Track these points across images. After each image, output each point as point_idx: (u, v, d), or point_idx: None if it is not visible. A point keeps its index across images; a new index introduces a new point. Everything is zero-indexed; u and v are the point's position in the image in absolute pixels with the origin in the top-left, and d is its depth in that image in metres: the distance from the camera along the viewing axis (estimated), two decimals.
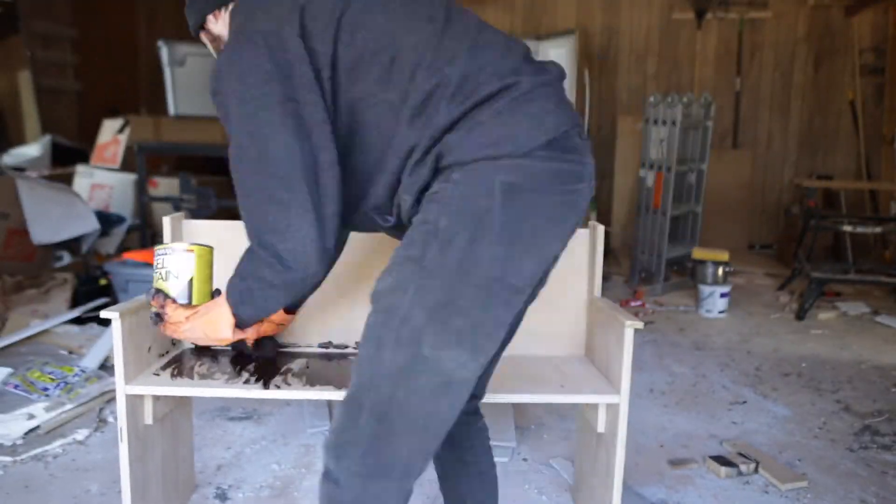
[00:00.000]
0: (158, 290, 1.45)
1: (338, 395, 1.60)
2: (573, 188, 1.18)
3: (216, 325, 1.34)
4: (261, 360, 1.77)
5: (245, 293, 1.27)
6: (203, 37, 1.42)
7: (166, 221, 1.85)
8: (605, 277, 5.09)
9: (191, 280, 1.47)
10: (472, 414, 1.55)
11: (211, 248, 1.53)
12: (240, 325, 1.33)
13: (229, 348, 1.82)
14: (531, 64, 1.22)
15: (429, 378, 1.14)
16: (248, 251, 1.24)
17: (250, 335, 1.51)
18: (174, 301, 1.42)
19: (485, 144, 1.13)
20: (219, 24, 1.36)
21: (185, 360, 1.79)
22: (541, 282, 1.34)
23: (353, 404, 1.18)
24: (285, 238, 1.17)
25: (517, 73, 1.17)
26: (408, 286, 1.13)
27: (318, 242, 1.18)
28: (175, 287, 1.46)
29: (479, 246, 1.12)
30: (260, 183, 1.18)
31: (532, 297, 1.37)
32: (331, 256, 1.28)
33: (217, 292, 1.49)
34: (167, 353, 1.80)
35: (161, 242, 1.70)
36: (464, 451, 1.55)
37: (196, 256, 1.49)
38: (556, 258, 1.28)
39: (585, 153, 1.22)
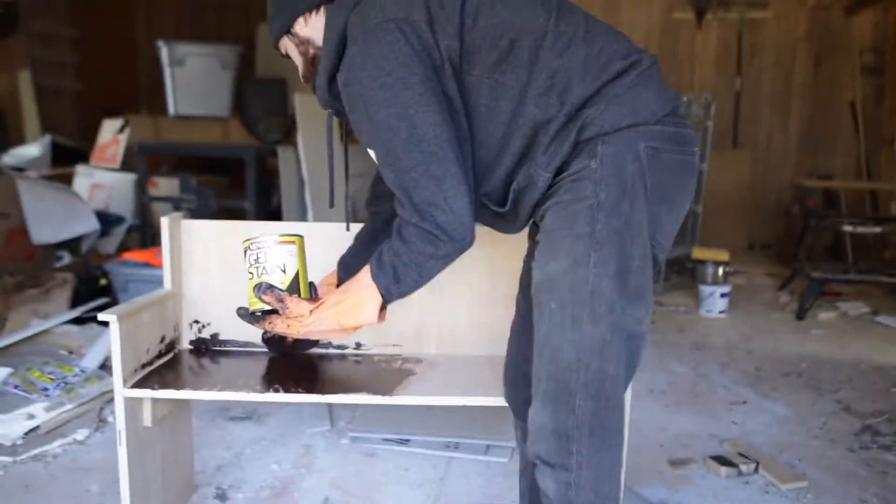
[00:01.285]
0: (270, 286, 1.42)
1: (337, 398, 1.60)
2: (693, 150, 1.31)
3: (361, 310, 1.36)
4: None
5: (402, 269, 1.30)
6: (286, 42, 1.43)
7: (165, 221, 1.84)
8: None
9: (297, 273, 1.46)
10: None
11: (303, 237, 1.53)
12: (388, 304, 1.36)
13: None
14: (635, 45, 1.33)
15: (622, 342, 1.21)
16: (403, 229, 1.27)
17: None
18: (290, 295, 1.42)
19: (625, 115, 1.22)
20: (308, 26, 1.39)
21: (185, 360, 1.79)
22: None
23: (561, 394, 1.21)
24: (444, 210, 1.23)
25: (636, 53, 1.28)
26: (587, 261, 1.19)
27: (472, 212, 1.26)
28: (281, 282, 1.44)
29: (636, 209, 1.21)
30: (414, 160, 1.23)
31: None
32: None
33: (311, 285, 1.54)
34: (167, 354, 1.80)
35: (160, 243, 1.70)
36: None
37: (298, 248, 1.48)
38: (683, 218, 1.37)
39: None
